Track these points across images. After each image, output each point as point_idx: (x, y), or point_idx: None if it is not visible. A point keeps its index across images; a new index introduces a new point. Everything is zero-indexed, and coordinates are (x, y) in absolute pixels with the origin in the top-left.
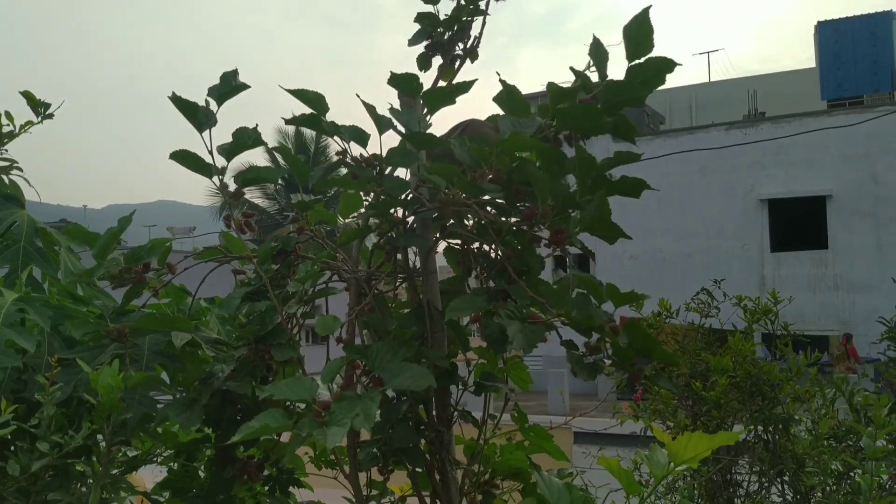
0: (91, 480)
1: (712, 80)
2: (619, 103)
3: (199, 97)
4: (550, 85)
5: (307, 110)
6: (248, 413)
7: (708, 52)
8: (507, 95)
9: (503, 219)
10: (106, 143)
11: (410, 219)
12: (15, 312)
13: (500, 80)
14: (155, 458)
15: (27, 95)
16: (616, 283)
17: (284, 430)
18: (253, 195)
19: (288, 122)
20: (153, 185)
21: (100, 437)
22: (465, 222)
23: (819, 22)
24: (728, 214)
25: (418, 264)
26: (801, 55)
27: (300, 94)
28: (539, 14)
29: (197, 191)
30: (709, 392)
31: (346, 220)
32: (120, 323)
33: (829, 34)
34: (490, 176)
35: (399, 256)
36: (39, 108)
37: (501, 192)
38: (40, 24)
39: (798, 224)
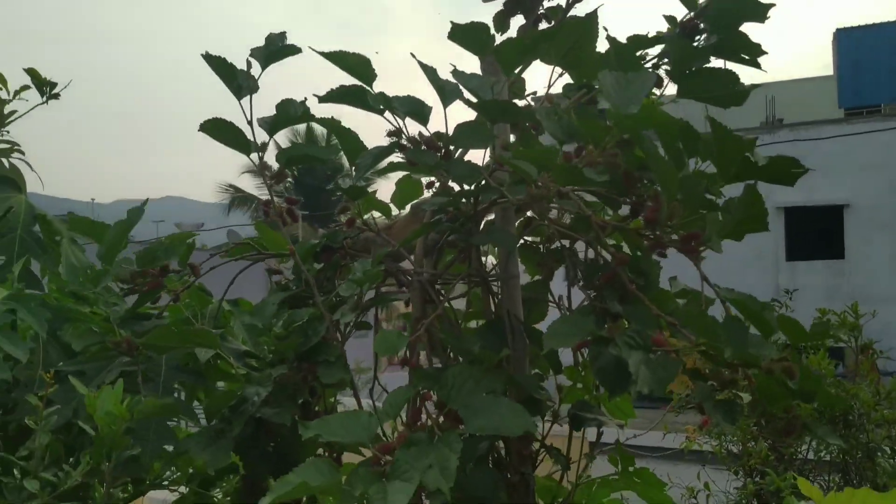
0: None
1: None
2: (737, 20)
3: (205, 95)
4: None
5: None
6: (284, 446)
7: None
8: (616, 54)
9: (607, 213)
10: (116, 137)
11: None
12: (4, 313)
13: (609, 38)
14: (164, 483)
15: (31, 73)
16: None
17: (331, 493)
18: (261, 191)
19: (322, 98)
20: (162, 181)
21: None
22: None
23: (838, 29)
24: None
25: (490, 264)
26: (811, 65)
27: (338, 58)
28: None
29: (205, 187)
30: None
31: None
32: (130, 332)
33: (848, 42)
34: (599, 160)
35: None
36: (45, 87)
37: (606, 180)
38: (54, 15)
39: (815, 233)
